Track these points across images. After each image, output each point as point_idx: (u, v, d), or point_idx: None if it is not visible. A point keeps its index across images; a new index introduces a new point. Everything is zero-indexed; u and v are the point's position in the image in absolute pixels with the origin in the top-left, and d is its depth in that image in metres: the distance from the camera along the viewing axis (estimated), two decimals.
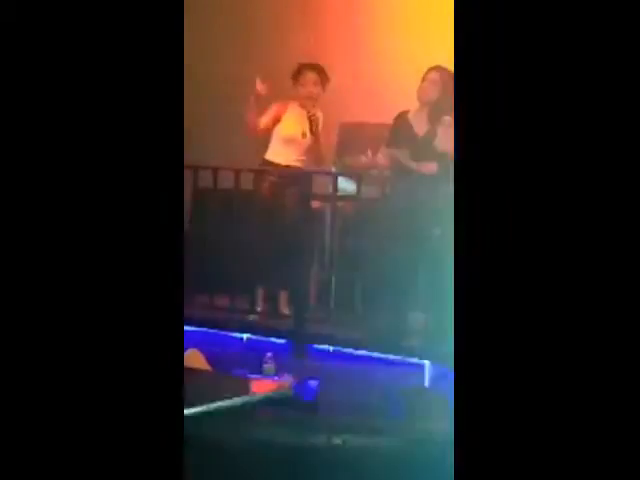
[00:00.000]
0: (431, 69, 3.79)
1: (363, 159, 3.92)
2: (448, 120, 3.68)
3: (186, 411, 1.45)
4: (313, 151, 4.23)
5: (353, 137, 4.65)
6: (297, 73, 4.19)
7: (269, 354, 3.82)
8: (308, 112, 4.13)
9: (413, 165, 3.75)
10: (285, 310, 4.13)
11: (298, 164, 4.22)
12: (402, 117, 3.89)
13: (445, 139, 3.65)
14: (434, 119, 3.77)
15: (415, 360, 3.66)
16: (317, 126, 4.15)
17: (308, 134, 4.18)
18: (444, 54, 2.90)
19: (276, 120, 4.19)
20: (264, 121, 4.15)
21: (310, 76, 4.16)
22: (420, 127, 3.82)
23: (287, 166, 4.19)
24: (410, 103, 3.91)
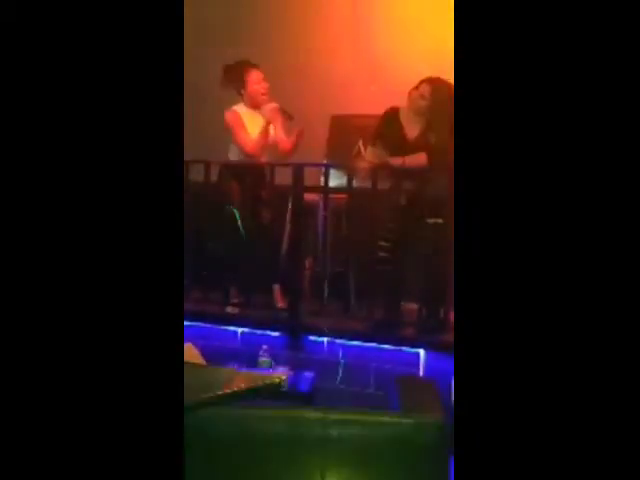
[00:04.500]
0: (423, 81, 3.73)
1: (353, 155, 3.91)
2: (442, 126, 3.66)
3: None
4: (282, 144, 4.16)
5: (344, 129, 4.63)
6: (240, 72, 4.08)
7: (265, 347, 3.84)
8: (279, 108, 4.01)
9: (400, 161, 3.74)
10: (279, 303, 4.13)
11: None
12: (393, 116, 3.82)
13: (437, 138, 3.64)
14: (426, 127, 3.75)
15: (409, 349, 3.69)
16: (290, 115, 4.05)
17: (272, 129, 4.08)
18: (441, 45, 2.91)
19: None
20: (252, 141, 4.03)
21: (257, 73, 4.08)
22: (411, 130, 3.80)
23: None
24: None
